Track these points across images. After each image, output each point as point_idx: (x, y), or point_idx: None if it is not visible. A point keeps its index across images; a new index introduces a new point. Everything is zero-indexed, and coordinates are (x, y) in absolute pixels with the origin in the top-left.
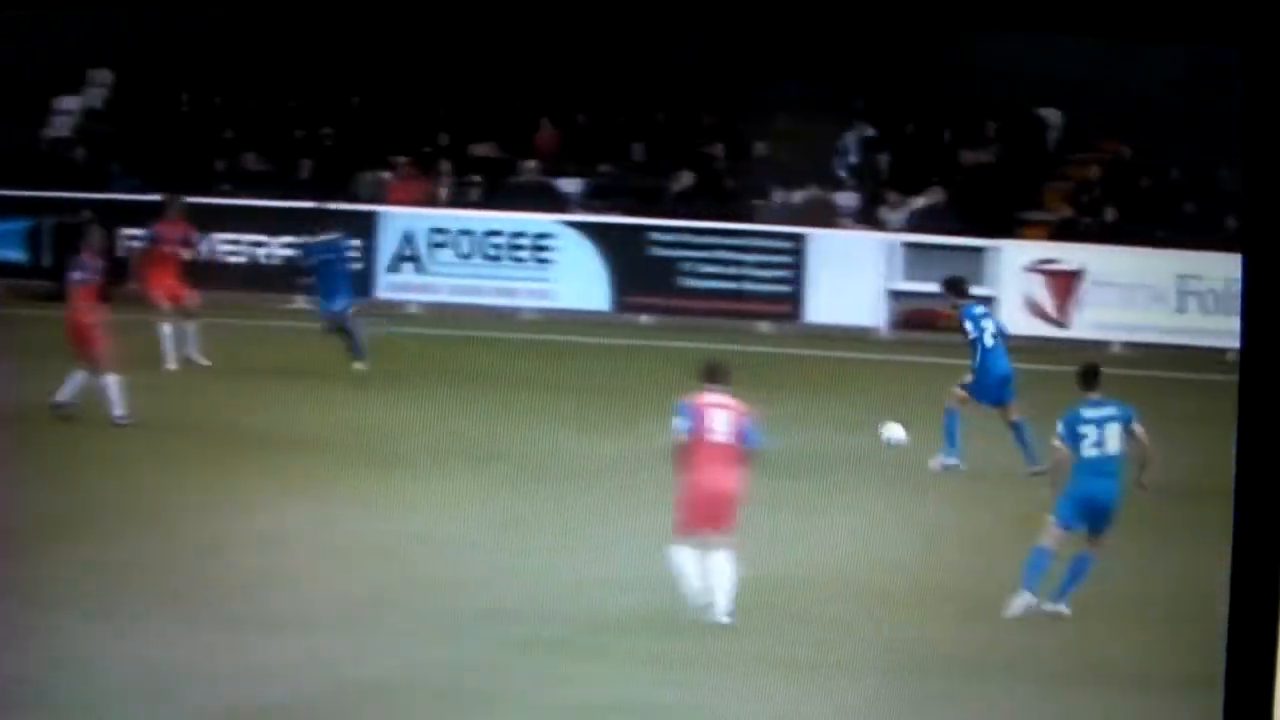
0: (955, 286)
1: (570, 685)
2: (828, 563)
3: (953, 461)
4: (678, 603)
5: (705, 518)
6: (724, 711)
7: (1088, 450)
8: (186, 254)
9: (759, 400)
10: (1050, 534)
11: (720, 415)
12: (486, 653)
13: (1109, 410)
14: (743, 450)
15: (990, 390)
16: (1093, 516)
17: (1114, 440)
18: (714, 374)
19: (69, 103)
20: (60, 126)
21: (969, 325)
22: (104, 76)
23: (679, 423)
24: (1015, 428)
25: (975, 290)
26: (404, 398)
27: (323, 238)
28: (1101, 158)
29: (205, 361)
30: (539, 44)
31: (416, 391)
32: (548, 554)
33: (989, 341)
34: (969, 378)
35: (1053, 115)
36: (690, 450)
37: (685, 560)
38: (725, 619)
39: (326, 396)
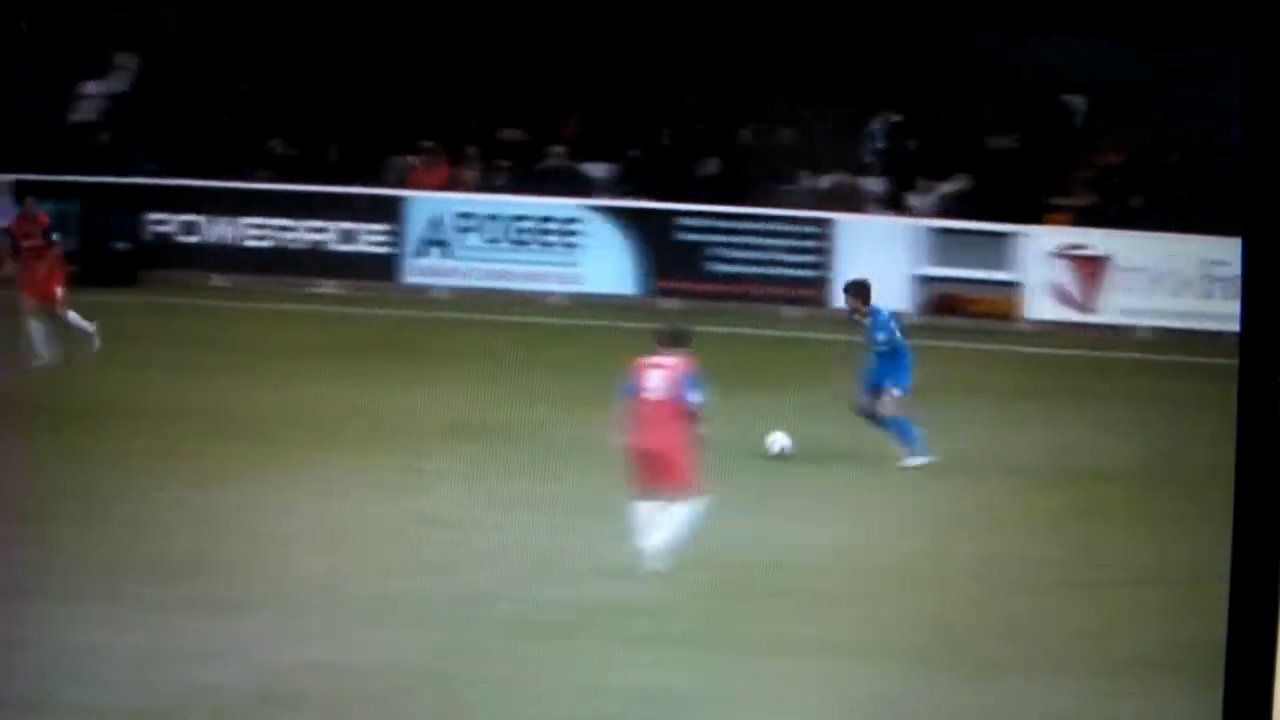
0: (861, 291)
1: (565, 669)
2: (844, 545)
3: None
4: (677, 585)
5: (650, 475)
6: (724, 693)
7: None
8: (49, 246)
9: (785, 385)
10: None
11: (657, 374)
12: (477, 635)
13: None
14: (680, 407)
15: (885, 376)
16: None
17: None
18: (664, 338)
19: (94, 87)
20: (85, 111)
21: (883, 328)
22: (129, 60)
23: (622, 388)
24: (889, 422)
25: (1004, 276)
26: (419, 380)
27: None
28: (1126, 144)
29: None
30: (567, 28)
31: (433, 374)
32: (547, 536)
33: (900, 337)
34: (868, 375)
35: (1078, 101)
36: (630, 411)
37: (638, 518)
38: (655, 564)
39: (337, 378)
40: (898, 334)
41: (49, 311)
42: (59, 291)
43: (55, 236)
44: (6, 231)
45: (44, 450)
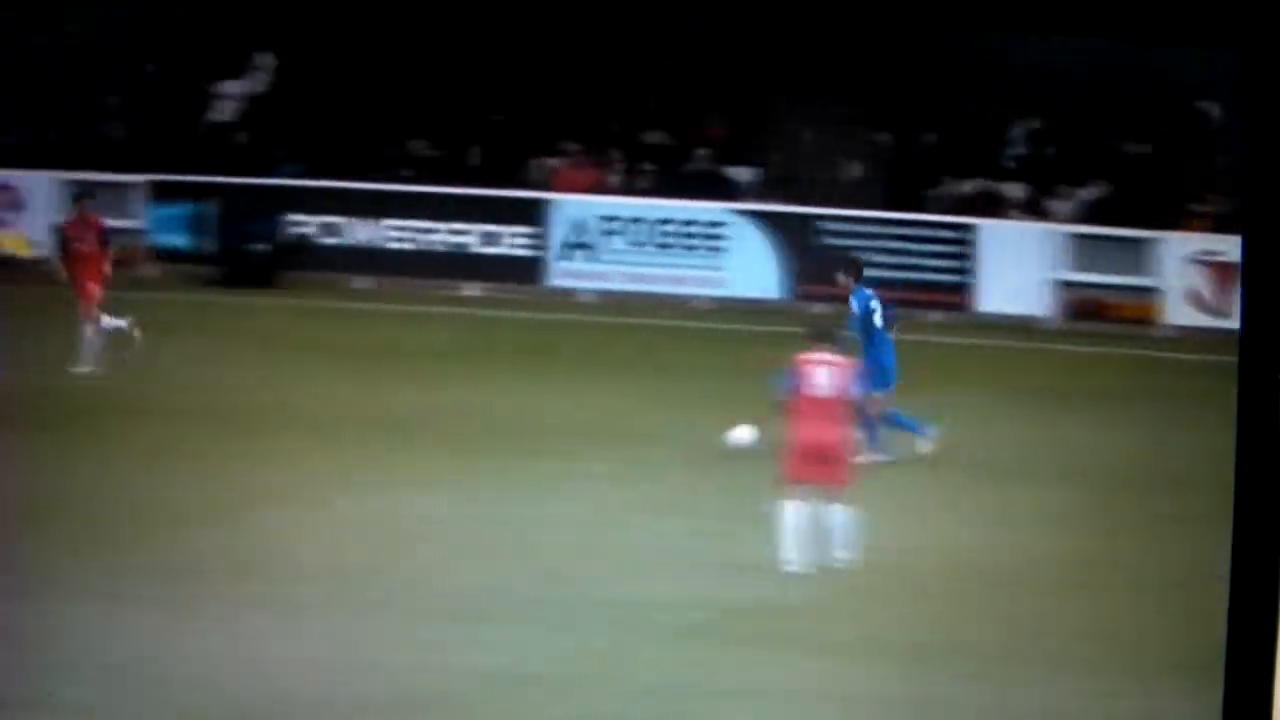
0: (853, 269)
1: (704, 671)
2: (973, 548)
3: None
4: (821, 587)
5: (813, 470)
6: (863, 696)
7: None
8: (102, 253)
9: (927, 389)
10: None
11: (822, 371)
12: (622, 640)
13: None
14: (846, 404)
15: (875, 376)
16: None
17: None
18: (820, 335)
19: (231, 87)
20: (222, 111)
21: (856, 306)
22: (266, 60)
23: (779, 384)
24: (887, 418)
25: (1140, 281)
26: (561, 383)
27: None
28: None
29: (132, 357)
30: (712, 32)
31: (576, 377)
32: (685, 538)
33: (878, 323)
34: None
35: (1213, 108)
36: (794, 406)
37: (792, 516)
38: (841, 563)
39: (478, 381)
40: (871, 318)
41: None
42: (95, 291)
43: (109, 244)
44: (59, 230)
45: (197, 451)
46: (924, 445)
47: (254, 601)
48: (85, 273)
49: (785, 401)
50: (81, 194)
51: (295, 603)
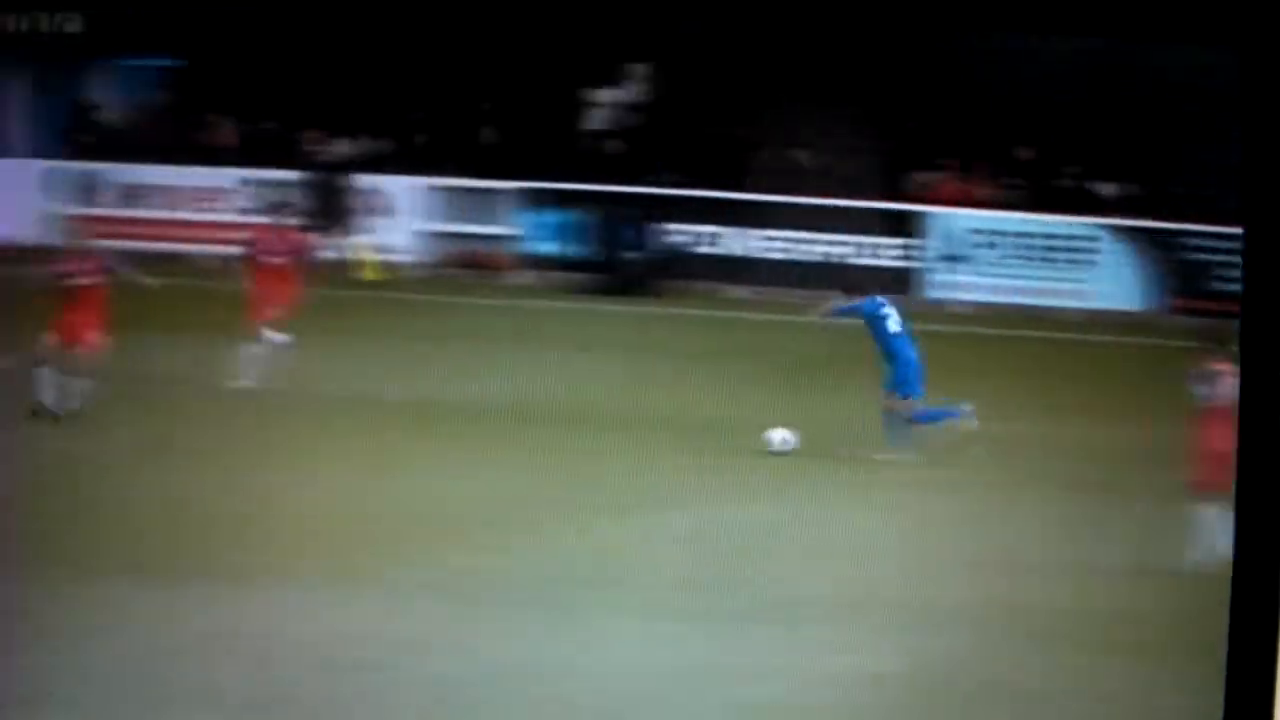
0: (853, 290)
1: (1086, 678)
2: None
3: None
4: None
5: (1221, 476)
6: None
7: None
8: (294, 266)
9: None
10: None
11: (1228, 379)
12: (990, 642)
13: None
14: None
15: (911, 382)
16: None
17: None
18: (1225, 341)
19: (608, 95)
20: (599, 119)
21: (865, 314)
22: (642, 70)
23: (1201, 390)
24: (920, 418)
25: None
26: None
27: None
28: None
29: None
30: (1078, 51)
31: (948, 387)
32: (1065, 542)
33: (894, 329)
34: (888, 376)
35: None
36: (1208, 414)
37: (1204, 520)
38: (1211, 564)
39: (835, 389)
40: (885, 326)
41: (253, 330)
42: (273, 312)
43: (304, 260)
44: (249, 243)
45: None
46: (969, 423)
47: (613, 609)
48: (268, 286)
49: (1202, 409)
50: (280, 203)
51: (642, 609)
